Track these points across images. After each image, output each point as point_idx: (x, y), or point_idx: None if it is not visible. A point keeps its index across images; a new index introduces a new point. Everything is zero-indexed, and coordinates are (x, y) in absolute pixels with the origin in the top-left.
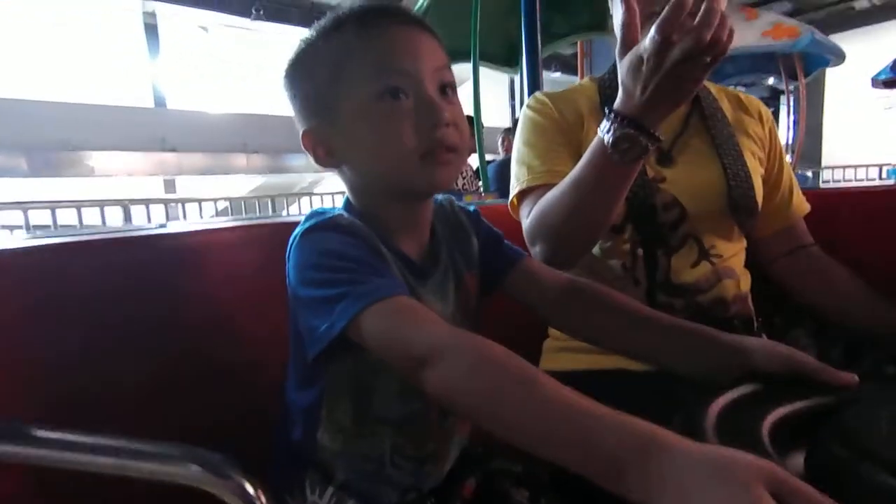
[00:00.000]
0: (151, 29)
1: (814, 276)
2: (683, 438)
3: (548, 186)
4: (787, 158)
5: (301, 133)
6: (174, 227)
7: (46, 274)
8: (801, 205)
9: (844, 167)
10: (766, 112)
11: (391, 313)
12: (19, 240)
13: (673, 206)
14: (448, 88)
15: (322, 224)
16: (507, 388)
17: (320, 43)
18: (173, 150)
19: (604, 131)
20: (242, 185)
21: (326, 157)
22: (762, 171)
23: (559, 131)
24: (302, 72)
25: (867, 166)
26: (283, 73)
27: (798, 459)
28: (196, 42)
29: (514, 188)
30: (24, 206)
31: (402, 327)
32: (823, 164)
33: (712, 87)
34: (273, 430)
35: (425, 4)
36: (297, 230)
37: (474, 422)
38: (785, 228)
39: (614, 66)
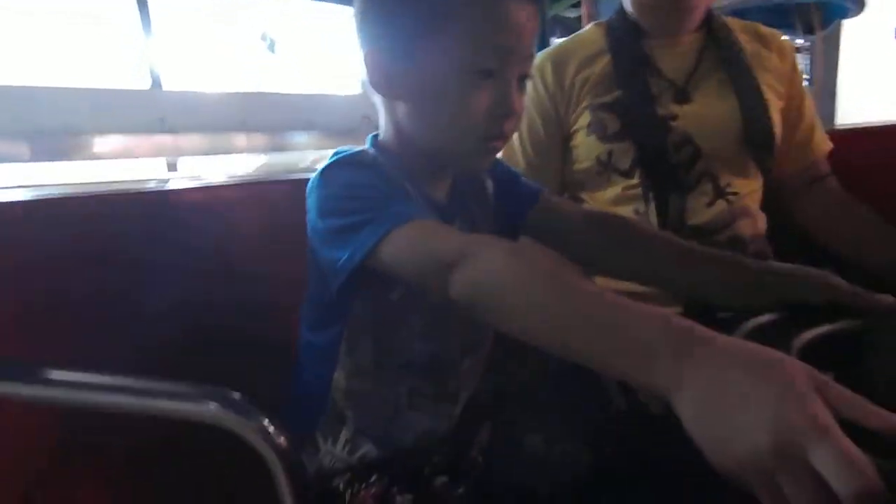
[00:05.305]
0: (143, 5)
1: (832, 211)
2: (722, 335)
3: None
4: None
5: (365, 52)
6: (191, 182)
7: (67, 222)
8: (823, 143)
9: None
10: (788, 45)
11: (416, 232)
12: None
13: (685, 144)
14: (525, 79)
15: (344, 160)
16: (536, 279)
17: None
18: (172, 131)
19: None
20: (246, 164)
21: (384, 86)
22: (781, 104)
23: (548, 122)
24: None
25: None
26: None
27: None
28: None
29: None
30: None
31: (428, 241)
32: (838, 123)
33: (729, 21)
34: (288, 374)
35: None
36: (320, 168)
37: (502, 321)
38: (805, 167)
39: (620, 7)
